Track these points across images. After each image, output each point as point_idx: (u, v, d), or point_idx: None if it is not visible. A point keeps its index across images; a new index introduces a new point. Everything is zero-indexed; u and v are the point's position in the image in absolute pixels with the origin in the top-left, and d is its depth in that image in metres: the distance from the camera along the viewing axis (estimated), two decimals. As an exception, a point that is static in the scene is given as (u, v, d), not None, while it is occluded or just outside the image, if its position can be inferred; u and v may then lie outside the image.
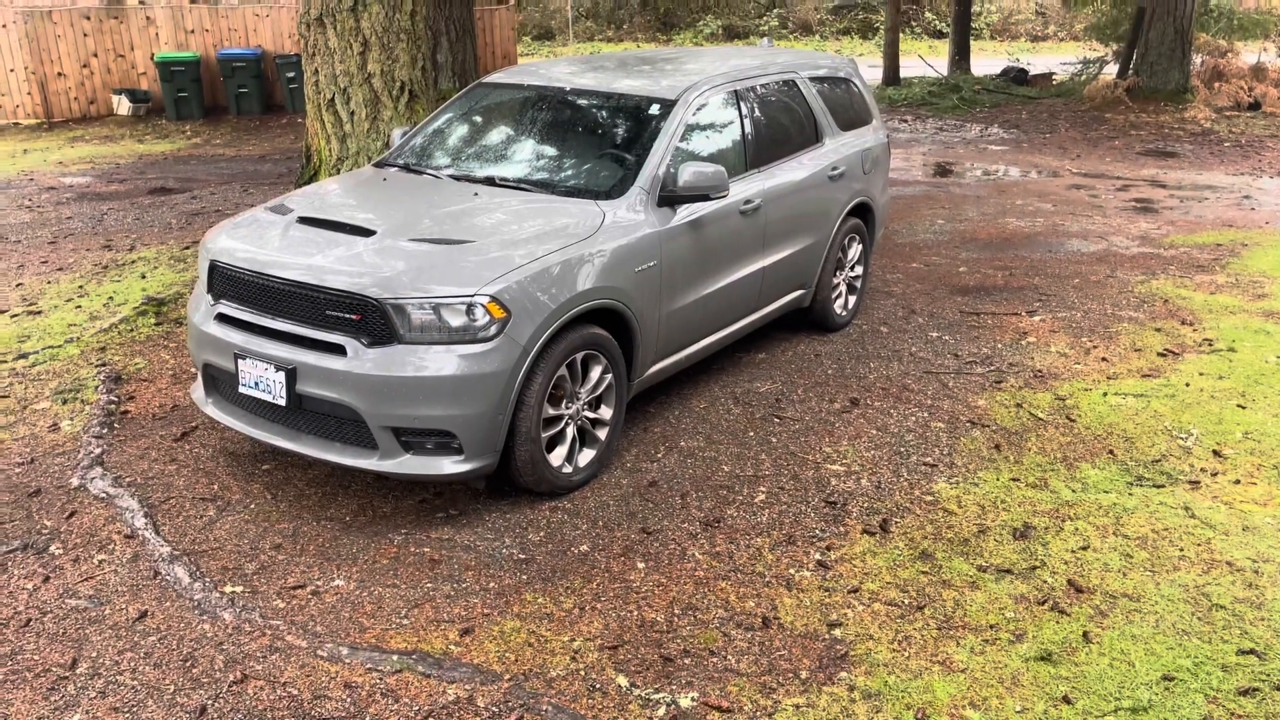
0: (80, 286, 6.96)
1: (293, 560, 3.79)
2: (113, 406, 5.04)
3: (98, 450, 4.59)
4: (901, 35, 21.95)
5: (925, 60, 21.83)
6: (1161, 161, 12.42)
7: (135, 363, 5.61)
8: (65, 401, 5.11)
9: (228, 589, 3.61)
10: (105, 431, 4.78)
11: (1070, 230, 8.95)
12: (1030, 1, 30.97)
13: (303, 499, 4.24)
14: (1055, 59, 22.27)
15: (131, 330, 6.08)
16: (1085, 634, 3.39)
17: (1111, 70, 18.14)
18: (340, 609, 3.51)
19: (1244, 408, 5.17)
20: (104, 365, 5.53)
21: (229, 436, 4.76)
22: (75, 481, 4.33)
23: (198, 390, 4.49)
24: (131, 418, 4.96)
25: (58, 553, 3.83)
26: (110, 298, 6.68)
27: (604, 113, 5.20)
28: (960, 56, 20.32)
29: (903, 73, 19.72)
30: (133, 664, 3.21)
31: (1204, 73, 16.59)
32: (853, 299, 6.46)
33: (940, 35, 28.79)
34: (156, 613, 3.47)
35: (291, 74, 15.35)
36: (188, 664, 3.21)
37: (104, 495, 4.21)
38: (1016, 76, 19.14)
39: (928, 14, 30.57)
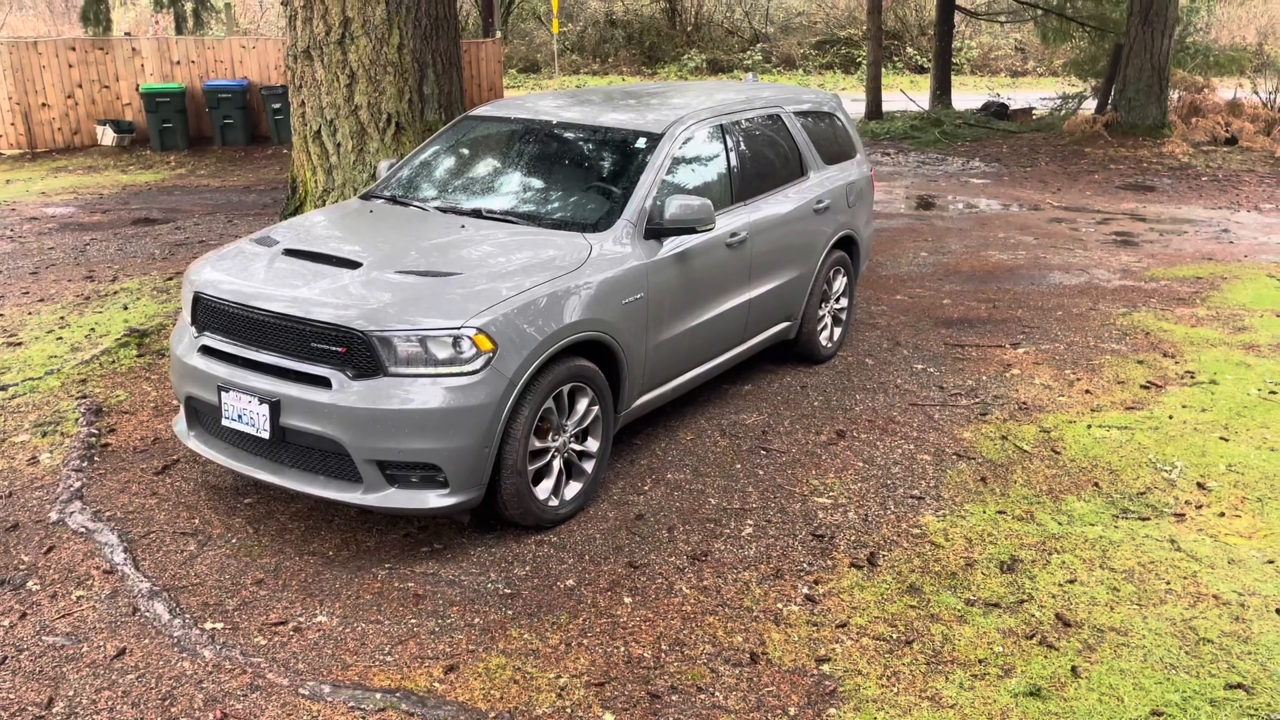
0: (61, 318, 6.91)
1: (274, 596, 3.75)
2: (93, 439, 4.99)
3: (77, 484, 4.54)
4: (883, 70, 22.22)
5: (907, 95, 22.09)
6: (1141, 195, 12.57)
7: (116, 395, 5.56)
8: (45, 434, 5.05)
9: (208, 625, 3.55)
10: (85, 465, 4.73)
11: (1052, 263, 9.02)
12: (1010, 38, 31.42)
13: (285, 533, 4.19)
14: (1035, 94, 22.57)
15: (113, 362, 6.03)
16: (1074, 668, 3.38)
17: (1090, 105, 18.39)
18: (323, 646, 3.46)
19: (1227, 440, 5.20)
20: (85, 397, 5.48)
21: (211, 470, 4.71)
22: (54, 516, 4.27)
23: (180, 423, 4.45)
24: (112, 451, 4.91)
25: (35, 588, 3.76)
26: (92, 329, 6.64)
27: (590, 146, 5.22)
28: (941, 91, 20.56)
29: (885, 107, 19.94)
30: (110, 703, 3.15)
31: (1181, 108, 16.84)
32: (838, 331, 6.49)
33: (922, 70, 29.15)
34: (135, 650, 3.41)
35: (277, 105, 15.38)
36: (166, 703, 3.15)
37: (83, 530, 4.15)
38: (997, 111, 19.38)
39: (909, 49, 30.96)
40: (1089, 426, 5.38)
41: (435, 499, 3.87)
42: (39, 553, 4.00)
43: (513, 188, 5.20)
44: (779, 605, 3.73)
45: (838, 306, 6.45)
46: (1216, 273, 8.64)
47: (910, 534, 4.26)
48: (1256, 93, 18.36)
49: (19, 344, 6.37)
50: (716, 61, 30.32)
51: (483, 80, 17.54)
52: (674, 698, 3.22)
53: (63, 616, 3.59)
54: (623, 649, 3.46)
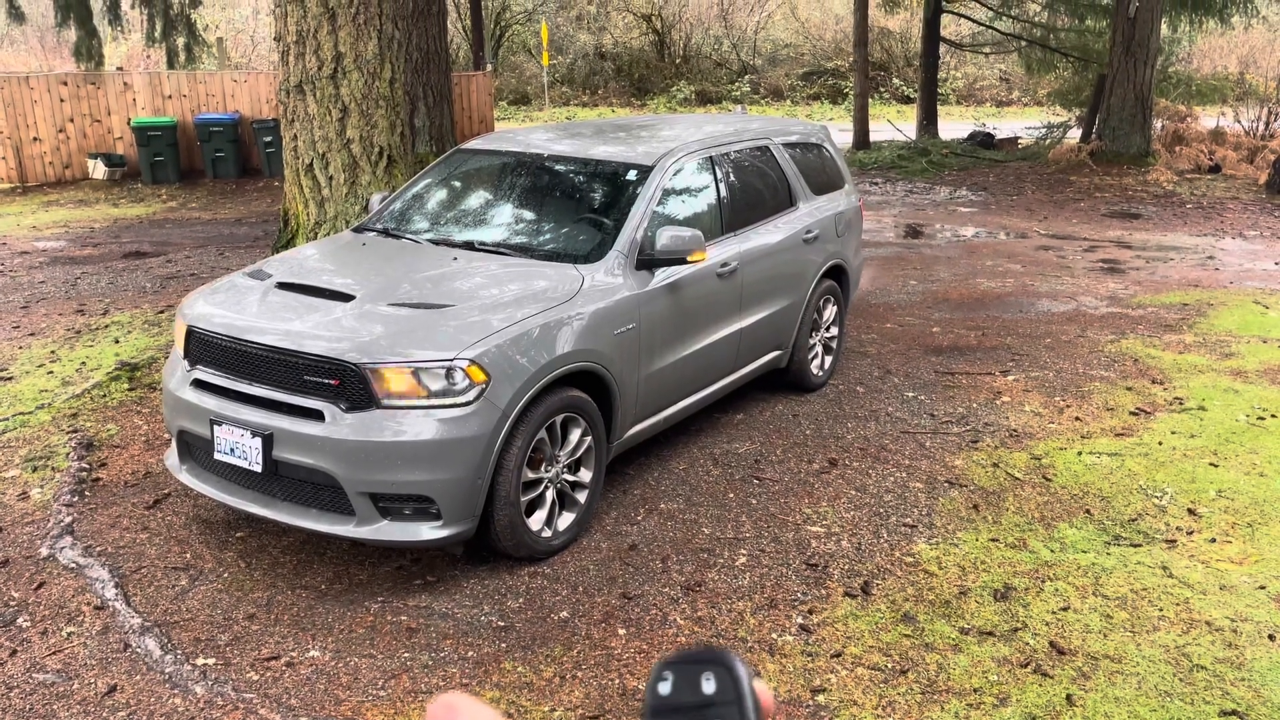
0: (52, 352, 6.90)
1: (267, 630, 3.73)
2: (84, 474, 4.97)
3: (68, 519, 4.52)
4: (870, 100, 22.45)
5: (894, 125, 22.29)
6: (1126, 223, 12.68)
7: (108, 429, 5.54)
8: (35, 469, 5.03)
9: (200, 661, 3.53)
10: (76, 500, 4.71)
11: (1040, 290, 9.09)
12: (994, 68, 31.78)
13: (277, 567, 4.17)
14: (1020, 123, 22.80)
15: (104, 396, 6.01)
16: (1068, 697, 3.38)
17: (1075, 134, 18.57)
18: (315, 681, 3.44)
19: (1216, 466, 5.23)
20: (76, 432, 5.46)
21: (202, 504, 4.69)
22: (44, 551, 4.25)
23: (171, 457, 4.44)
24: (103, 485, 4.89)
25: (25, 625, 3.74)
26: (83, 363, 6.62)
27: (581, 178, 5.27)
28: (928, 121, 20.76)
29: (872, 137, 20.11)
30: (101, 741, 3.12)
31: (1165, 137, 17.03)
32: (829, 359, 6.51)
33: (908, 100, 29.44)
34: (126, 687, 3.38)
35: (268, 138, 15.44)
36: (158, 740, 3.12)
37: (74, 565, 4.13)
38: (983, 140, 19.56)
39: (896, 80, 31.28)
40: (1079, 453, 5.40)
41: (428, 531, 3.86)
42: (29, 589, 3.97)
43: (505, 220, 5.24)
44: (773, 635, 3.73)
45: (828, 335, 6.49)
46: (1203, 299, 8.71)
47: (904, 562, 4.27)
48: (1239, 121, 18.60)
49: (9, 378, 6.35)
50: (705, 93, 30.58)
51: (473, 112, 17.66)
52: (669, 730, 3.21)
53: (53, 653, 3.57)
54: (617, 681, 3.45)
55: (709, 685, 0.63)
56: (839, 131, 19.47)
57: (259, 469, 3.91)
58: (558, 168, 5.34)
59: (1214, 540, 4.47)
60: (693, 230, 4.67)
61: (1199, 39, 23.43)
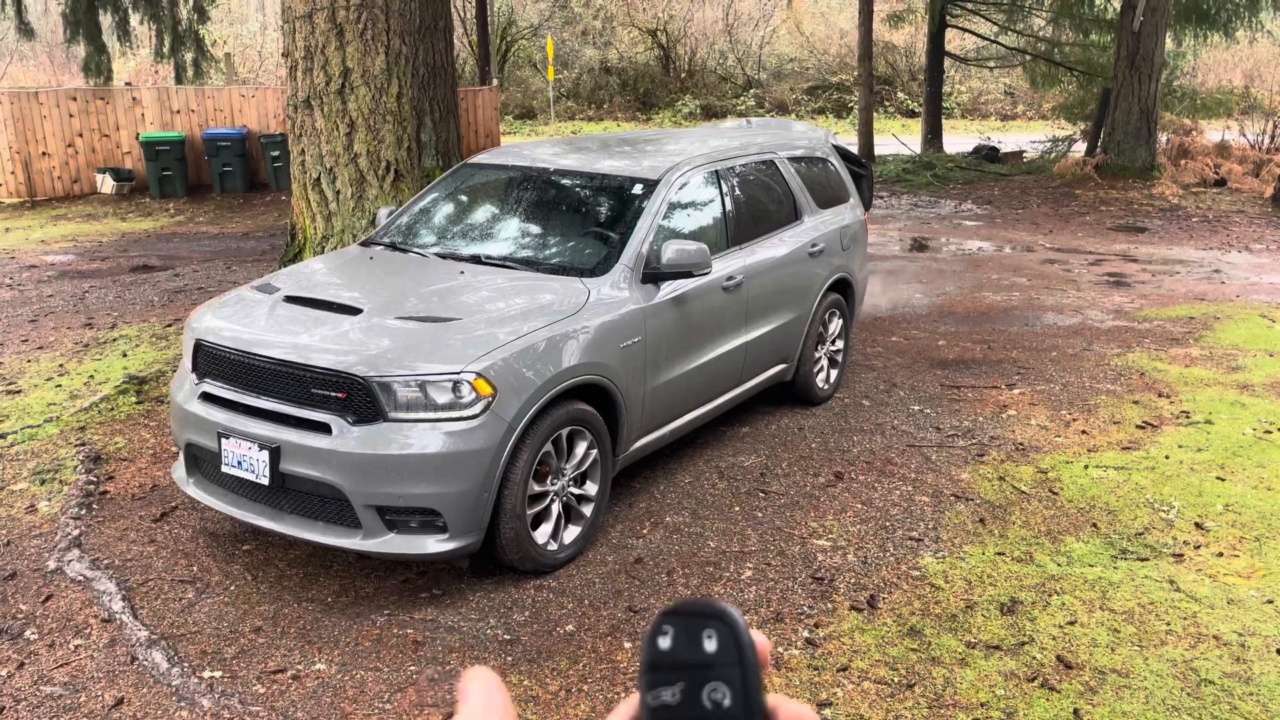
0: (60, 365, 6.93)
1: (273, 643, 3.73)
2: (91, 487, 4.99)
3: (75, 532, 4.53)
4: (875, 114, 22.48)
5: (899, 138, 22.33)
6: (1132, 236, 12.68)
7: (115, 442, 5.56)
8: (43, 482, 5.05)
9: (206, 674, 3.54)
10: (83, 513, 4.72)
11: (1046, 304, 9.09)
12: (999, 82, 31.84)
13: (284, 580, 4.18)
14: (1025, 137, 22.83)
15: (112, 409, 6.03)
16: (1076, 711, 3.37)
17: (1080, 148, 18.60)
18: (321, 694, 3.44)
19: (1223, 480, 5.22)
20: (83, 445, 5.48)
21: (209, 517, 4.70)
22: (52, 564, 4.26)
23: (179, 470, 4.46)
24: (110, 498, 4.91)
25: (33, 638, 3.75)
26: (91, 376, 6.65)
27: (588, 192, 5.29)
28: (933, 135, 20.80)
29: (877, 150, 20.14)
30: (107, 753, 3.13)
31: (1170, 150, 17.05)
32: (834, 373, 6.52)
33: (913, 114, 29.50)
34: (133, 699, 3.39)
35: (276, 153, 15.51)
36: (164, 753, 3.13)
37: (81, 578, 4.14)
38: (988, 154, 19.59)
39: (900, 94, 31.35)
40: (1086, 467, 5.39)
41: (434, 544, 3.87)
42: (37, 601, 3.98)
43: (511, 234, 5.26)
44: (780, 649, 3.72)
45: (834, 348, 6.49)
46: (1209, 313, 8.70)
47: (910, 576, 4.26)
48: (1244, 135, 18.61)
49: (18, 391, 6.38)
50: (710, 107, 30.67)
51: (480, 127, 17.73)
52: (675, 744, 3.20)
53: (60, 666, 3.57)
54: (623, 695, 3.45)
55: (710, 644, 0.61)
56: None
57: (266, 482, 3.92)
58: (564, 182, 5.36)
59: (1221, 554, 4.46)
60: (698, 244, 4.69)
61: (1203, 53, 23.47)
